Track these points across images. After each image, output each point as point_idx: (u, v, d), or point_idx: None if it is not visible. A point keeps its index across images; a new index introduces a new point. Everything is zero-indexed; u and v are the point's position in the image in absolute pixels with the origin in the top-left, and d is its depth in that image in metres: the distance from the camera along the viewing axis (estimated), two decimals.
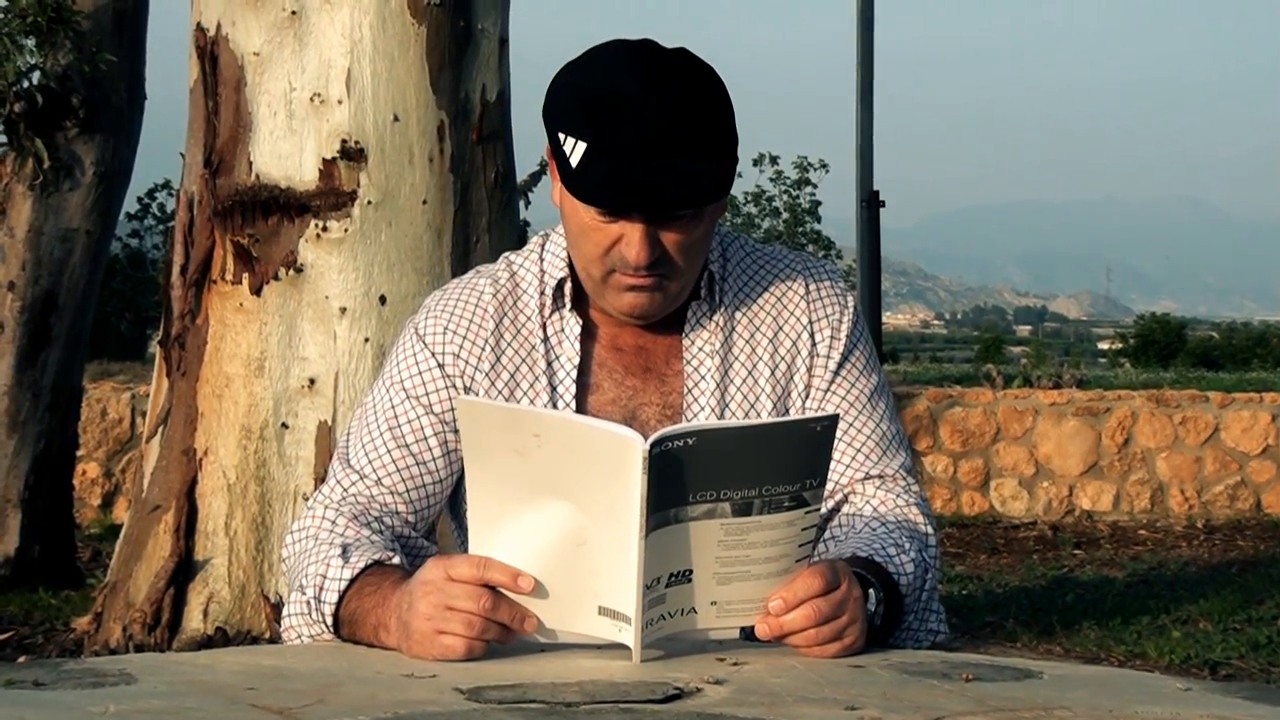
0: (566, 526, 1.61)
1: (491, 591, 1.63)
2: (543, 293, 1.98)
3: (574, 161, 1.81)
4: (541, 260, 2.01)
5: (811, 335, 2.01)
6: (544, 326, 1.98)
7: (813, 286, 2.03)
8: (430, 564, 1.67)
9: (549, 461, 1.59)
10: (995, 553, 7.67)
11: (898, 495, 1.97)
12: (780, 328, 2.01)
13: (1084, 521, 8.64)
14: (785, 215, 18.84)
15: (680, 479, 1.56)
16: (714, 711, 1.38)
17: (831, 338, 2.00)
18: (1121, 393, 9.05)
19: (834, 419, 1.59)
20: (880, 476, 1.97)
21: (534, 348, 1.97)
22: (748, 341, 2.00)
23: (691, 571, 1.61)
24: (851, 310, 2.03)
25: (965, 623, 5.45)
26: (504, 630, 1.63)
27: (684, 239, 1.85)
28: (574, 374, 1.95)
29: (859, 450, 1.98)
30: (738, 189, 20.07)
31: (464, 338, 1.97)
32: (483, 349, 1.97)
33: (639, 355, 1.98)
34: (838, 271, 2.08)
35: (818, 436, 1.57)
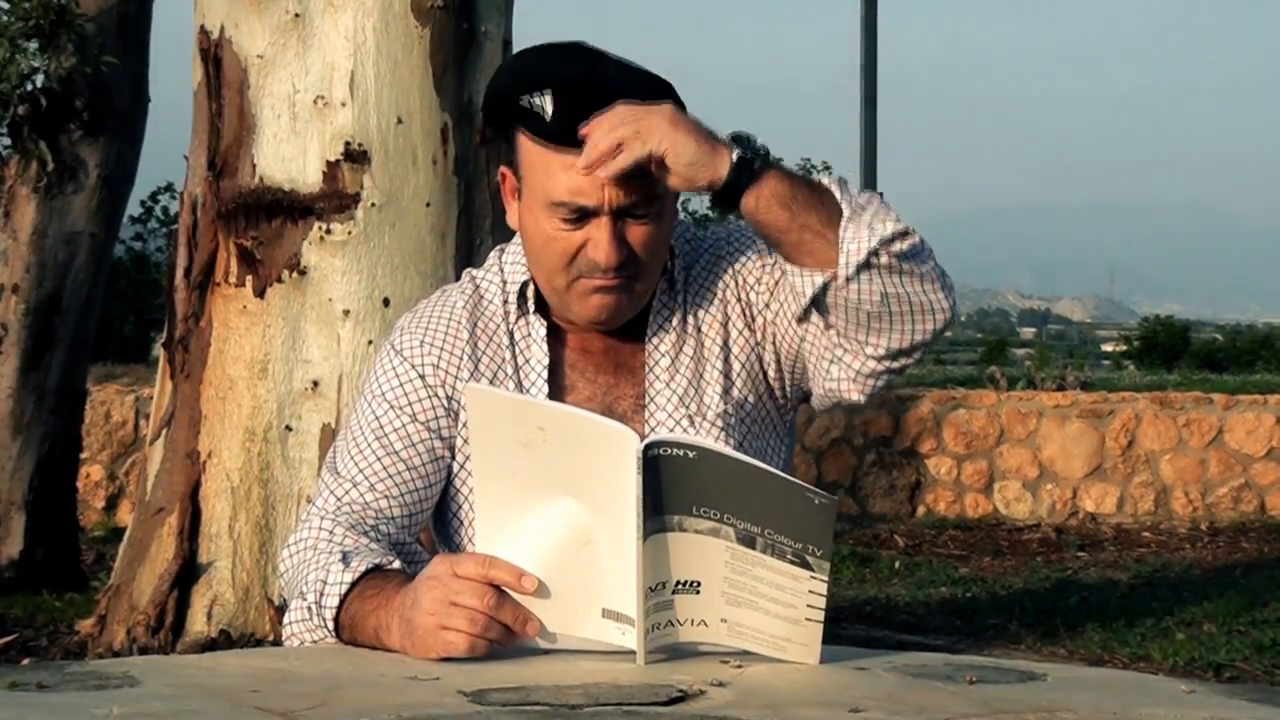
0: (572, 525, 1.62)
1: (496, 590, 1.63)
2: (506, 300, 2.02)
3: (549, 113, 1.84)
4: (502, 270, 2.05)
5: (749, 302, 2.03)
6: (510, 333, 2.01)
7: (737, 263, 2.05)
8: (437, 560, 1.69)
9: (554, 455, 1.60)
10: (999, 555, 7.66)
11: None
12: (726, 313, 2.04)
13: (1088, 524, 8.63)
14: None
15: (681, 489, 1.57)
16: (717, 714, 1.38)
17: (758, 282, 2.03)
18: (1125, 395, 9.03)
19: (834, 500, 1.61)
20: None
21: (505, 354, 2.00)
22: (701, 329, 2.02)
23: (700, 584, 1.62)
24: (771, 253, 2.02)
25: (969, 625, 5.45)
26: (506, 631, 1.64)
27: (649, 234, 1.89)
28: (544, 375, 1.98)
29: None
30: None
31: (441, 349, 2.00)
32: (461, 359, 2.00)
33: (608, 354, 2.01)
34: (750, 234, 2.06)
35: (815, 511, 1.59)
